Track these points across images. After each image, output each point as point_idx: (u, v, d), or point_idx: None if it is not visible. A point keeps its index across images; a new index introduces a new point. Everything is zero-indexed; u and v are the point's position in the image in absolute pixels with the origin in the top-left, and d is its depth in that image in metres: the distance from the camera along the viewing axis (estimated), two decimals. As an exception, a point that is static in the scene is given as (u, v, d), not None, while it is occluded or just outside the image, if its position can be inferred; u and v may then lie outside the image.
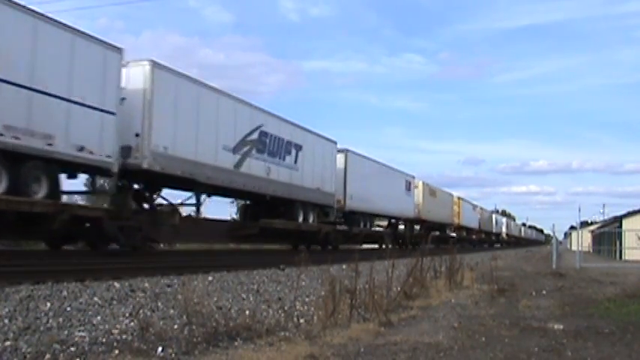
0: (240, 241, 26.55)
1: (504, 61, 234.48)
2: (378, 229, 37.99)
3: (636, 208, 38.71)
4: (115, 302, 7.86)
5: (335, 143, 29.13)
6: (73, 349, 5.19)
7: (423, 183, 43.89)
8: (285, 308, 8.07)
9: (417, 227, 43.86)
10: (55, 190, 14.25)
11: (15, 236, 16.39)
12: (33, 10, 13.37)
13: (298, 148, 25.30)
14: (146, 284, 9.78)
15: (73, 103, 14.19)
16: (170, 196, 20.31)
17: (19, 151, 12.94)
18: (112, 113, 15.30)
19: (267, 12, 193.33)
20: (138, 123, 16.34)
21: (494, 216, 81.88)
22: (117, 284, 9.44)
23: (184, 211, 20.84)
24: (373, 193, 33.06)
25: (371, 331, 6.50)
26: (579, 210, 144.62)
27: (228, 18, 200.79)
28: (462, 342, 6.10)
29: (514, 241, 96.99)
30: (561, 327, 7.28)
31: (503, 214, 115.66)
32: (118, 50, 15.61)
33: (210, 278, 11.40)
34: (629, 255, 31.33)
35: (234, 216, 31.28)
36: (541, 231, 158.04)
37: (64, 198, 16.07)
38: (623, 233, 34.09)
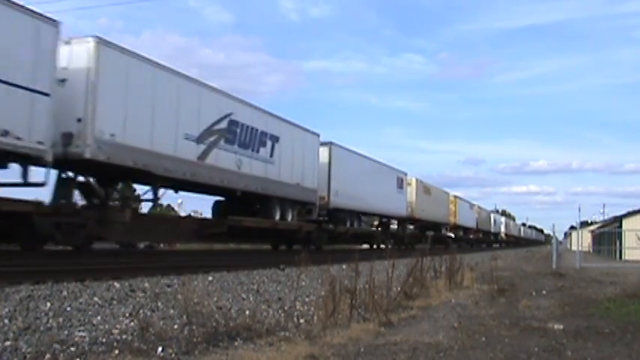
0: (209, 241, 24.83)
1: (504, 61, 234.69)
2: (373, 229, 37.05)
3: (636, 208, 38.71)
4: (115, 302, 7.86)
5: (317, 135, 27.11)
6: (73, 349, 5.19)
7: (417, 180, 42.24)
8: (285, 308, 8.07)
9: (411, 227, 42.59)
10: None
11: None
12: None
13: (274, 139, 23.23)
14: (146, 284, 9.78)
15: (-8, 79, 12.35)
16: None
17: None
18: (46, 94, 13.52)
19: (267, 12, 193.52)
20: (80, 107, 14.53)
21: (492, 215, 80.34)
22: (117, 284, 9.44)
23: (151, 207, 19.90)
24: (361, 189, 31.18)
25: (371, 331, 6.50)
26: (579, 210, 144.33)
27: (228, 18, 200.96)
28: (462, 342, 6.10)
29: (513, 241, 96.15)
30: (561, 327, 7.28)
31: (503, 214, 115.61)
32: (54, 23, 13.81)
33: (210, 278, 11.40)
34: (629, 255, 31.31)
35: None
36: (541, 231, 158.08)
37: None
38: (623, 233, 34.07)
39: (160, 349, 5.25)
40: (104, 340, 5.62)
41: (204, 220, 24.73)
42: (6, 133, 12.71)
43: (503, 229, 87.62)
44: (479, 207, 68.76)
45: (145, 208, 21.86)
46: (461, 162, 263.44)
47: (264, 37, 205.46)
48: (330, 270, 10.49)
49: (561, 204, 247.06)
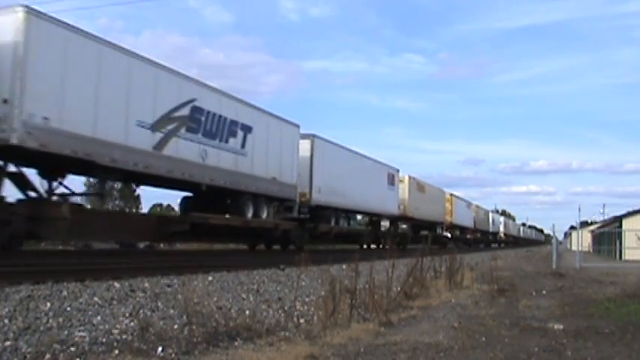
0: (170, 240, 23.04)
1: (504, 61, 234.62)
2: (363, 228, 35.63)
3: (636, 208, 38.70)
4: (115, 302, 7.86)
5: (297, 127, 24.91)
6: (73, 349, 5.19)
7: (410, 177, 40.30)
8: (285, 308, 8.07)
9: (404, 226, 40.97)
10: None
11: None
12: None
13: (247, 129, 21.17)
14: (146, 284, 9.78)
15: None
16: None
17: None
18: None
19: (267, 12, 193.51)
20: (6, 86, 12.87)
21: (490, 214, 78.53)
22: (117, 284, 9.44)
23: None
24: (347, 186, 29.21)
25: (371, 331, 6.50)
26: (579, 210, 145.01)
27: (228, 18, 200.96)
28: (462, 342, 6.11)
29: (512, 241, 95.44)
30: (561, 327, 7.29)
31: (503, 213, 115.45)
32: None
33: (210, 278, 11.41)
34: (629, 255, 31.31)
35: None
36: (541, 231, 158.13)
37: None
38: (623, 233, 34.07)
39: (160, 349, 5.26)
40: (104, 340, 5.62)
41: (164, 217, 22.70)
42: None
43: (502, 228, 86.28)
44: (476, 206, 67.46)
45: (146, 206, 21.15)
46: (461, 162, 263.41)
47: (264, 37, 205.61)
48: (330, 270, 10.48)
49: (561, 204, 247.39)
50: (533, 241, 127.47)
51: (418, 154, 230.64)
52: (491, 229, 76.15)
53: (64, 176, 16.21)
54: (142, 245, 23.51)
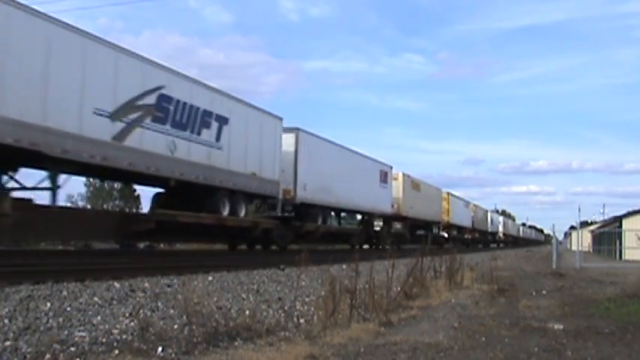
0: (135, 240, 21.58)
1: (504, 61, 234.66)
2: (354, 227, 34.33)
3: (636, 208, 38.73)
4: (115, 302, 7.86)
5: (280, 119, 23.39)
6: (73, 349, 5.19)
7: (404, 174, 38.88)
8: (285, 308, 8.08)
9: (398, 225, 39.43)
10: None
11: None
12: None
13: (222, 121, 19.82)
14: (146, 284, 9.78)
15: None
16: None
17: None
18: None
19: (267, 12, 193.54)
20: None
21: (489, 214, 77.13)
22: (117, 284, 9.44)
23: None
24: (336, 183, 27.87)
25: (371, 331, 6.50)
26: (579, 210, 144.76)
27: (228, 18, 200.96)
28: (462, 342, 6.11)
29: (512, 241, 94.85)
30: (561, 327, 7.29)
31: (503, 213, 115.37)
32: None
33: (210, 278, 11.40)
34: (629, 255, 31.33)
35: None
36: (541, 231, 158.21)
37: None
38: (623, 233, 34.08)
39: (160, 349, 5.25)
40: (104, 340, 5.62)
41: (127, 215, 21.29)
42: None
43: (501, 228, 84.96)
44: (475, 205, 66.15)
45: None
46: (461, 162, 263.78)
47: (264, 37, 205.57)
48: (330, 270, 10.49)
49: (561, 204, 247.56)
50: (533, 241, 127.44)
51: (418, 154, 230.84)
52: (489, 229, 75.06)
53: (15, 169, 14.84)
54: (142, 245, 23.52)
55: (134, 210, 42.46)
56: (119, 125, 15.58)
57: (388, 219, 37.21)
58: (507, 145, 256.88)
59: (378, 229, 36.05)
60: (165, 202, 19.20)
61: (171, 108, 17.47)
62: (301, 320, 7.34)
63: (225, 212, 20.28)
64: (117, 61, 15.58)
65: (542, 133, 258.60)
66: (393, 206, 36.52)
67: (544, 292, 12.09)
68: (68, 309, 7.11)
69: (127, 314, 6.99)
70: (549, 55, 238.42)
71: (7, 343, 5.24)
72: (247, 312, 7.46)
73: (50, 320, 6.39)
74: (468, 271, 14.04)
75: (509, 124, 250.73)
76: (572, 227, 61.02)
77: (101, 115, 14.99)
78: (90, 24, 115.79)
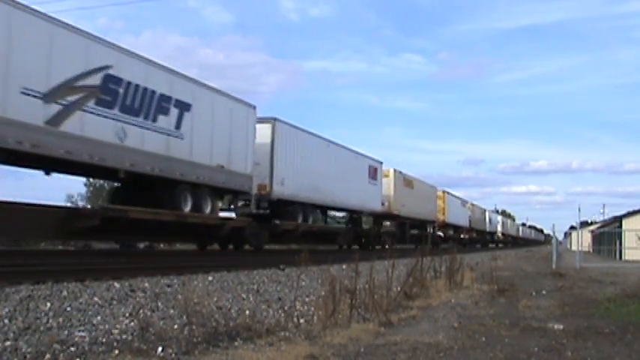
0: (80, 239, 19.67)
1: (504, 61, 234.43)
2: (341, 226, 32.20)
3: (636, 208, 38.72)
4: (115, 302, 7.87)
5: (253, 108, 21.40)
6: (73, 349, 5.19)
7: (395, 171, 36.80)
8: (285, 308, 8.08)
9: (389, 224, 37.68)
10: None
11: None
12: None
13: (184, 107, 17.85)
14: (146, 284, 9.78)
15: None
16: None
17: None
18: None
19: (267, 12, 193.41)
20: None
21: (487, 213, 74.85)
22: (117, 284, 9.45)
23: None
24: (319, 178, 25.91)
25: (371, 331, 6.50)
26: (579, 210, 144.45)
27: (228, 18, 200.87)
28: (462, 342, 6.11)
29: (511, 241, 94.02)
30: (561, 327, 7.29)
31: (503, 213, 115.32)
32: None
33: (210, 278, 11.41)
34: (629, 255, 31.32)
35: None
36: (541, 231, 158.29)
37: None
38: (623, 233, 34.08)
39: (160, 349, 5.26)
40: (104, 340, 5.62)
41: (69, 210, 18.28)
42: None
43: (499, 228, 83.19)
44: (472, 204, 64.36)
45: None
46: (461, 162, 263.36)
47: (264, 37, 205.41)
48: (330, 270, 10.49)
49: (561, 204, 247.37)
50: (532, 241, 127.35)
51: (418, 154, 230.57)
52: (488, 229, 73.55)
53: None
54: (141, 245, 23.53)
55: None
56: (54, 108, 13.73)
57: (378, 218, 35.55)
58: (507, 145, 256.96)
59: (367, 227, 34.50)
60: (122, 197, 17.87)
61: (121, 90, 15.52)
62: (301, 320, 7.34)
63: (187, 208, 18.37)
64: (52, 36, 13.69)
65: (542, 133, 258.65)
66: (383, 204, 34.68)
67: (544, 292, 12.10)
68: (68, 309, 7.11)
69: (127, 314, 6.99)
70: (549, 55, 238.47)
71: (7, 343, 5.25)
72: (247, 312, 7.47)
73: (50, 320, 6.39)
74: (468, 271, 14.04)
75: (509, 124, 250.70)
76: (572, 227, 60.95)
77: (31, 95, 13.15)
78: (90, 24, 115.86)
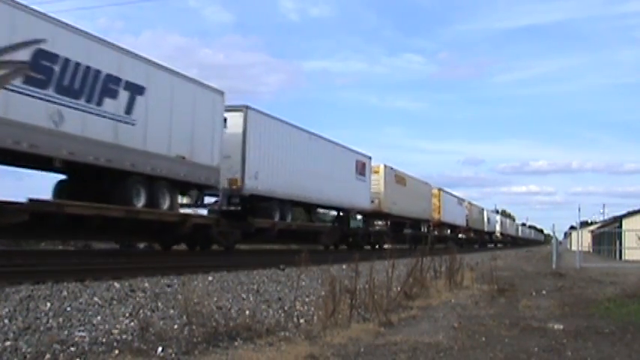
0: (8, 238, 17.53)
1: (504, 61, 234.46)
2: (328, 224, 30.47)
3: (636, 208, 38.76)
4: (115, 302, 7.86)
5: (221, 94, 19.47)
6: (73, 349, 5.19)
7: (386, 167, 34.60)
8: (285, 308, 8.08)
9: (379, 223, 36.30)
10: None
11: None
12: None
13: (136, 90, 15.94)
14: (146, 284, 9.78)
15: None
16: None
17: None
18: None
19: (267, 12, 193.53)
20: None
21: (485, 213, 72.95)
22: (117, 284, 9.45)
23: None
24: (299, 173, 24.06)
25: (371, 331, 6.50)
26: (579, 210, 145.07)
27: (228, 18, 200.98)
28: (462, 342, 6.11)
29: (510, 241, 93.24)
30: (561, 327, 7.29)
31: (503, 213, 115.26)
32: None
33: (210, 278, 11.41)
34: (629, 255, 31.34)
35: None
36: (541, 231, 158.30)
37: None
38: (623, 233, 34.09)
39: (160, 349, 5.26)
40: (104, 340, 5.62)
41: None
42: None
43: (498, 228, 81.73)
44: (469, 203, 62.35)
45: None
46: (461, 162, 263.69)
47: (264, 37, 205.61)
48: (330, 270, 10.50)
49: (561, 204, 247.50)
50: (532, 241, 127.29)
51: (418, 154, 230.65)
52: (486, 229, 72.08)
53: None
54: (141, 245, 23.52)
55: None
56: None
57: (368, 216, 33.87)
58: (507, 145, 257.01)
59: (355, 227, 32.92)
60: (68, 191, 15.90)
61: (56, 68, 13.64)
62: (301, 320, 7.34)
63: (141, 203, 16.48)
64: None
65: (542, 133, 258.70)
66: (373, 202, 32.68)
67: (544, 292, 12.10)
68: (68, 309, 7.11)
69: (127, 314, 6.99)
70: (549, 55, 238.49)
71: (7, 343, 5.25)
72: (247, 312, 7.47)
73: (50, 320, 6.39)
74: (467, 271, 14.04)
75: (509, 124, 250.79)
76: (572, 227, 60.92)
77: None
78: (90, 24, 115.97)
